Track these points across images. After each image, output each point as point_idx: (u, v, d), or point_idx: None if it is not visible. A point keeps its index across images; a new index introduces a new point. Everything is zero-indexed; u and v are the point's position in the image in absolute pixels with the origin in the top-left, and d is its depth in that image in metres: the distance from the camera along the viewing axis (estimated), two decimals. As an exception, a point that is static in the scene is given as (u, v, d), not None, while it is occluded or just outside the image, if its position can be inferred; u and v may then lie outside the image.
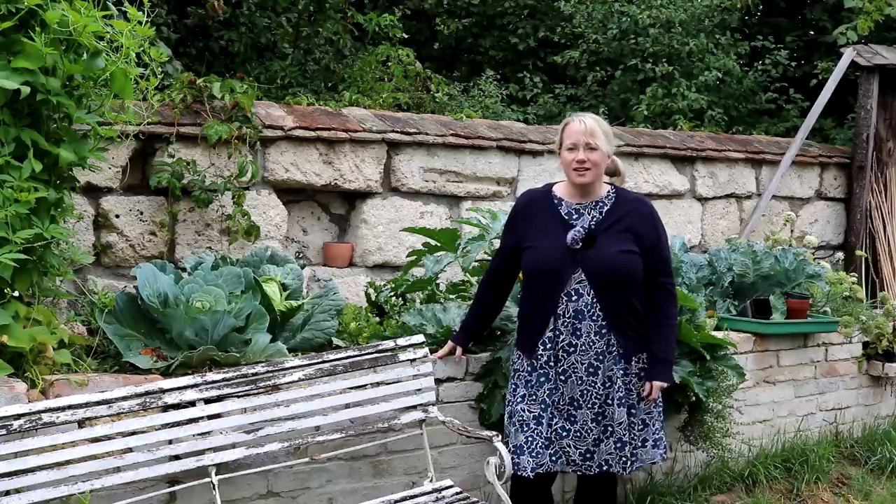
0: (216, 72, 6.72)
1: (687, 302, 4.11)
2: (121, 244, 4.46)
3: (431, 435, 3.62)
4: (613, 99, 8.65)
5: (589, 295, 3.32)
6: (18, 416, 2.76)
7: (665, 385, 3.42)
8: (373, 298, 4.53)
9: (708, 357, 4.12)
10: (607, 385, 3.38)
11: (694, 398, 4.12)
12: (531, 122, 7.73)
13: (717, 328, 4.76)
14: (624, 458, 3.40)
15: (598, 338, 3.34)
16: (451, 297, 4.36)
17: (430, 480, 3.53)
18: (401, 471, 3.73)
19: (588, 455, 3.42)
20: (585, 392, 3.38)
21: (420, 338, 3.64)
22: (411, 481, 3.71)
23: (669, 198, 6.34)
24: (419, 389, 3.55)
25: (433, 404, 3.57)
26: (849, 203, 7.18)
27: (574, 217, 3.37)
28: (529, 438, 3.37)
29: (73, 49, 3.19)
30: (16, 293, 3.18)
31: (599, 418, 3.40)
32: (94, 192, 4.39)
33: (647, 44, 8.19)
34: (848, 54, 6.95)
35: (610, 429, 3.39)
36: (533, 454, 3.36)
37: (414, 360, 3.56)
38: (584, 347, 3.35)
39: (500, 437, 3.39)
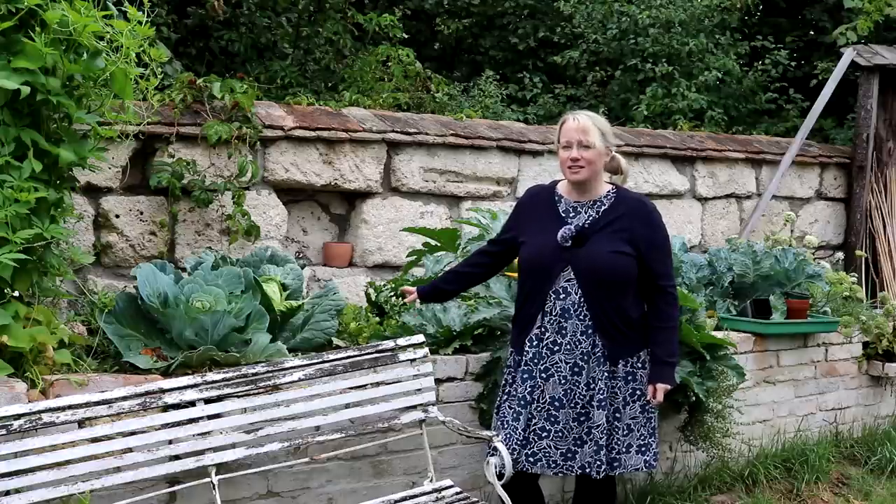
0: (216, 72, 6.72)
1: (687, 302, 4.11)
2: (121, 244, 4.46)
3: (431, 435, 3.62)
4: (613, 99, 8.65)
5: (576, 294, 3.31)
6: (18, 416, 2.76)
7: (669, 387, 3.40)
8: (373, 298, 4.53)
9: (708, 357, 4.12)
10: (591, 386, 3.35)
11: (694, 398, 4.12)
12: (531, 122, 7.73)
13: (717, 328, 4.76)
14: (599, 462, 3.35)
15: (583, 338, 3.33)
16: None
17: (430, 480, 3.53)
18: (401, 471, 3.73)
19: (569, 455, 3.38)
20: (569, 392, 3.36)
21: (420, 338, 3.64)
22: (411, 481, 3.71)
23: (669, 198, 6.34)
24: (419, 389, 3.55)
25: (433, 404, 3.57)
26: (849, 203, 7.18)
27: (571, 215, 3.37)
28: (508, 436, 3.39)
29: (73, 49, 3.19)
30: (16, 293, 3.18)
31: (582, 419, 3.36)
32: (94, 192, 4.39)
33: (647, 44, 8.19)
34: (848, 54, 6.95)
35: (592, 431, 3.35)
36: (508, 450, 3.35)
37: (414, 360, 3.56)
38: (568, 347, 3.34)
39: (499, 436, 3.39)
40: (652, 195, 6.20)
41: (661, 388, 3.38)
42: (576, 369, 3.34)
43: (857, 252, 6.59)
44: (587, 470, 3.37)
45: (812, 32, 9.13)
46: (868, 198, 7.01)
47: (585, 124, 3.32)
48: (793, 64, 8.60)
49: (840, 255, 7.13)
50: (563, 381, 3.35)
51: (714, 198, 6.58)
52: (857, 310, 5.32)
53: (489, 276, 3.82)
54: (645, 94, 8.00)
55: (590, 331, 3.32)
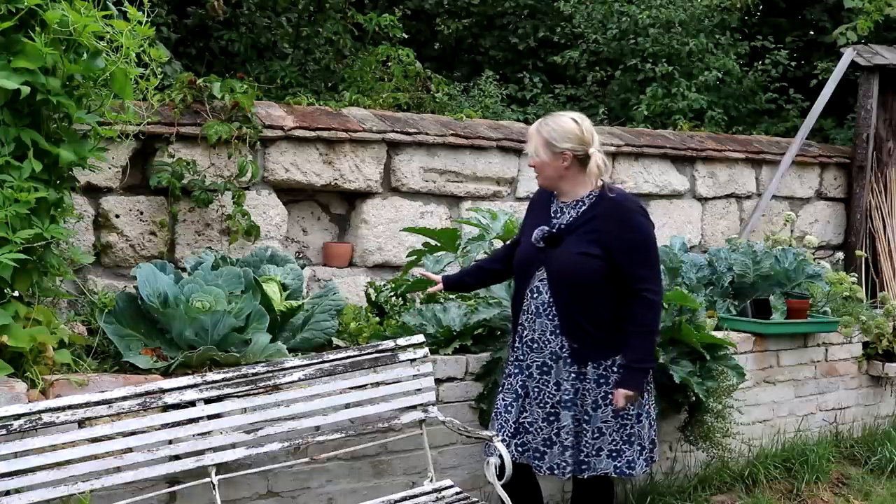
0: (216, 72, 6.72)
1: (687, 302, 4.11)
2: (121, 244, 4.46)
3: (431, 435, 3.62)
4: (613, 99, 8.65)
5: (546, 294, 3.33)
6: (18, 416, 2.76)
7: (631, 394, 3.28)
8: (373, 298, 4.53)
9: (708, 357, 4.12)
10: (560, 387, 3.35)
11: (694, 398, 4.12)
12: (531, 122, 7.69)
13: (717, 328, 4.76)
14: (564, 464, 3.34)
15: (552, 337, 3.34)
16: (451, 297, 4.36)
17: (430, 480, 3.53)
18: (401, 471, 3.73)
19: (538, 455, 3.39)
20: (538, 390, 3.38)
21: (420, 338, 3.64)
22: (411, 481, 3.71)
23: (669, 198, 6.34)
24: (419, 389, 3.55)
25: (433, 404, 3.57)
26: (849, 203, 7.18)
27: (559, 215, 3.39)
28: (500, 426, 3.43)
29: (73, 49, 3.19)
30: (16, 293, 3.18)
31: (552, 419, 3.36)
32: (94, 192, 4.39)
33: (647, 44, 8.19)
34: (848, 54, 6.95)
35: (558, 432, 3.35)
36: (500, 439, 3.37)
37: (414, 360, 3.56)
38: (538, 346, 3.36)
39: (500, 437, 3.39)
40: (652, 195, 6.20)
41: (622, 394, 3.28)
42: (545, 368, 3.37)
43: (857, 252, 6.59)
44: (555, 472, 3.38)
45: (812, 32, 9.13)
46: (868, 198, 7.01)
47: (529, 133, 3.38)
48: (793, 64, 8.60)
49: (840, 255, 7.13)
50: (533, 380, 3.39)
51: (714, 198, 6.58)
52: (857, 310, 5.32)
53: (509, 277, 3.79)
54: (645, 94, 8.00)
55: (557, 331, 3.32)
